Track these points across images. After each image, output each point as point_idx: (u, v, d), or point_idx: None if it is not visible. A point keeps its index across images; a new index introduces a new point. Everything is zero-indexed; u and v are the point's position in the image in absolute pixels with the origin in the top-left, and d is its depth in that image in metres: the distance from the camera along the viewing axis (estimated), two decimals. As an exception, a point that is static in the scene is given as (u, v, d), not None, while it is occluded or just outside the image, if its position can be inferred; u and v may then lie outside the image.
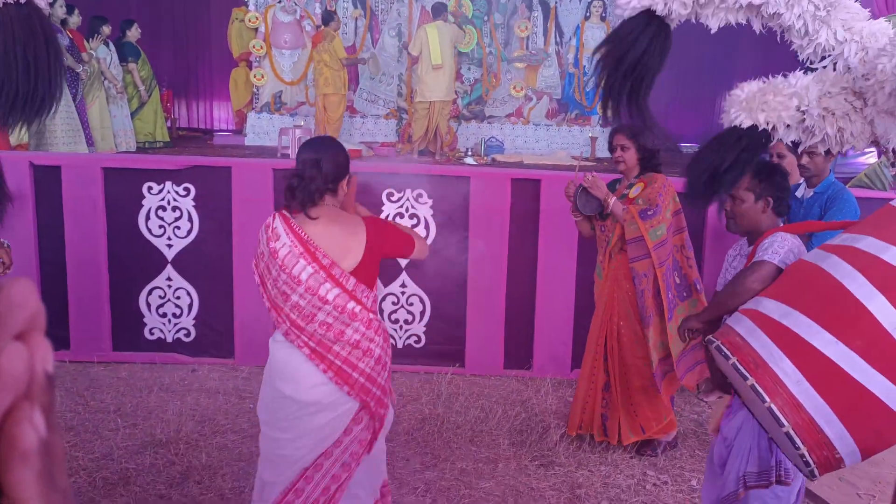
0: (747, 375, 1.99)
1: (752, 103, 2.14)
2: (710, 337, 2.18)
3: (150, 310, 5.10)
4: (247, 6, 10.05)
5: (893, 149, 2.15)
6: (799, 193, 3.69)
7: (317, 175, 2.49)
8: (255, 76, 9.64)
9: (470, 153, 8.64)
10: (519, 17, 9.89)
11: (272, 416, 2.60)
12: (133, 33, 8.70)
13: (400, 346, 5.16)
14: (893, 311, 1.88)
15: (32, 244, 4.90)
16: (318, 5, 9.87)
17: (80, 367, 4.93)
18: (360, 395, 2.54)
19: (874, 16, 2.17)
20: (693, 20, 2.11)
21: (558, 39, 10.05)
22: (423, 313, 5.16)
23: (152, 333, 5.13)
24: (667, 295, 3.68)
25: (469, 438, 4.08)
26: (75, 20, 7.73)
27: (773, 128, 2.15)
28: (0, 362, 0.39)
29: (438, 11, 8.66)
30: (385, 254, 2.69)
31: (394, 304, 5.12)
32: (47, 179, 4.89)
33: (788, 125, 2.13)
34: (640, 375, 3.83)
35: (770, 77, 2.20)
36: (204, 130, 12.67)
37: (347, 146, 5.50)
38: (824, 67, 2.09)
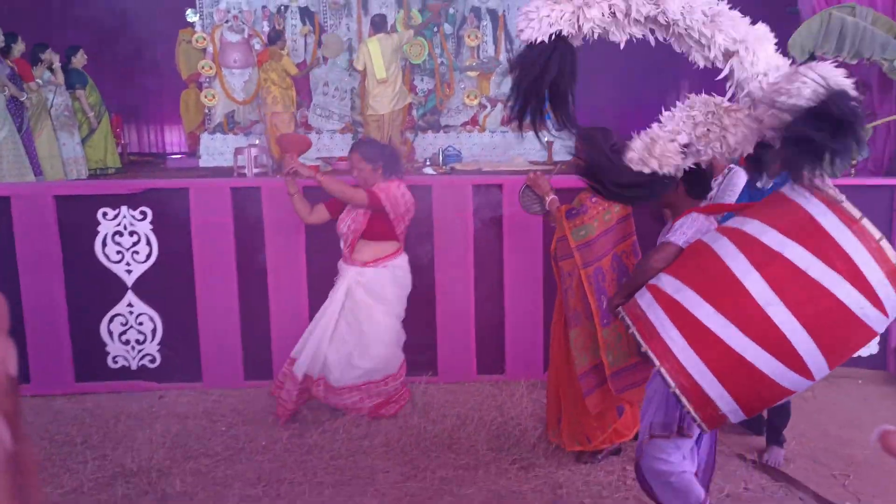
0: (642, 343, 2.36)
1: (642, 158, 2.45)
2: (619, 308, 2.52)
3: (112, 338, 4.98)
4: (193, 27, 9.93)
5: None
6: (760, 184, 3.74)
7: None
8: (205, 97, 9.51)
9: (429, 163, 8.63)
10: (468, 26, 9.95)
11: None
12: (79, 59, 8.52)
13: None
14: (765, 287, 2.20)
15: (-15, 277, 4.74)
16: (265, 24, 9.80)
17: (43, 400, 4.78)
18: None
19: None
20: (601, 37, 2.38)
21: (508, 47, 10.12)
22: (392, 324, 5.11)
23: (116, 362, 5.00)
24: (597, 298, 3.55)
25: (448, 446, 4.05)
26: (19, 47, 7.55)
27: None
28: None
29: (378, 26, 8.67)
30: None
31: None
32: (-3, 210, 4.75)
33: (678, 165, 2.46)
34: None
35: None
36: (156, 154, 12.45)
37: (305, 162, 5.46)
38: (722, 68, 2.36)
